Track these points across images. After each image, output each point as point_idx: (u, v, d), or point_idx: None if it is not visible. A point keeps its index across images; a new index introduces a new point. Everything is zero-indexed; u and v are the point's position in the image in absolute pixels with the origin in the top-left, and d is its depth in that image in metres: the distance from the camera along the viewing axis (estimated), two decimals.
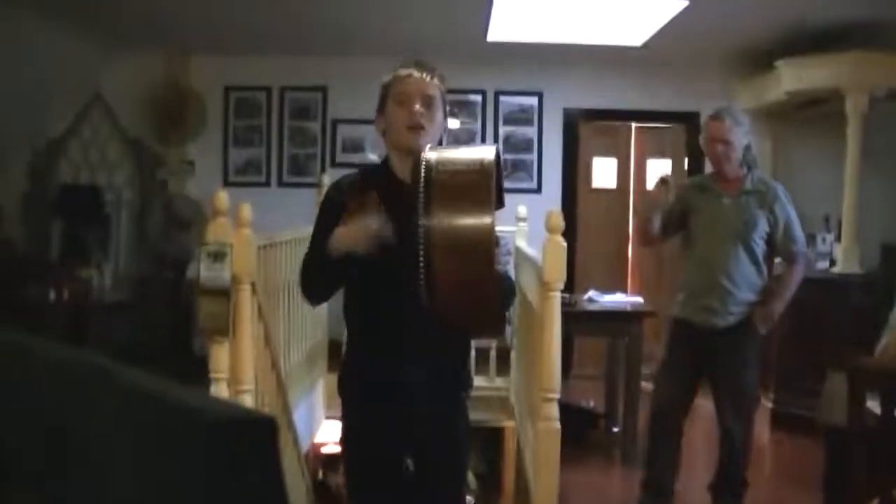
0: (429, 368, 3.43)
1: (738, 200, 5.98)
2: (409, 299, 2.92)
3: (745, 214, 5.94)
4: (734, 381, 5.99)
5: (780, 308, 6.04)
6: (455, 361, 3.62)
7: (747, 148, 6.00)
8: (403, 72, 3.49)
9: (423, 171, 2.87)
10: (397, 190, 3.29)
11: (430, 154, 2.96)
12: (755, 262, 5.98)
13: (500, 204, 3.24)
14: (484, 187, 2.80)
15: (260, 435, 1.14)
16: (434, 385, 3.47)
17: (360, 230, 3.19)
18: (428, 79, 3.47)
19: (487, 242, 2.77)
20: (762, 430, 8.53)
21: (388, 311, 3.35)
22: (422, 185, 2.83)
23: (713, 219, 6.01)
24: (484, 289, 2.82)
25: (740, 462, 6.07)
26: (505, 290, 3.28)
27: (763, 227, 5.94)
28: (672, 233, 6.28)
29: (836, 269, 8.40)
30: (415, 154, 3.18)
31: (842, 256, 8.34)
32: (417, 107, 3.39)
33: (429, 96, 3.44)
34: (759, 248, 5.97)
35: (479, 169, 2.83)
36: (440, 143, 3.48)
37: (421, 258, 2.79)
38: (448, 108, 3.57)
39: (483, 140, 10.91)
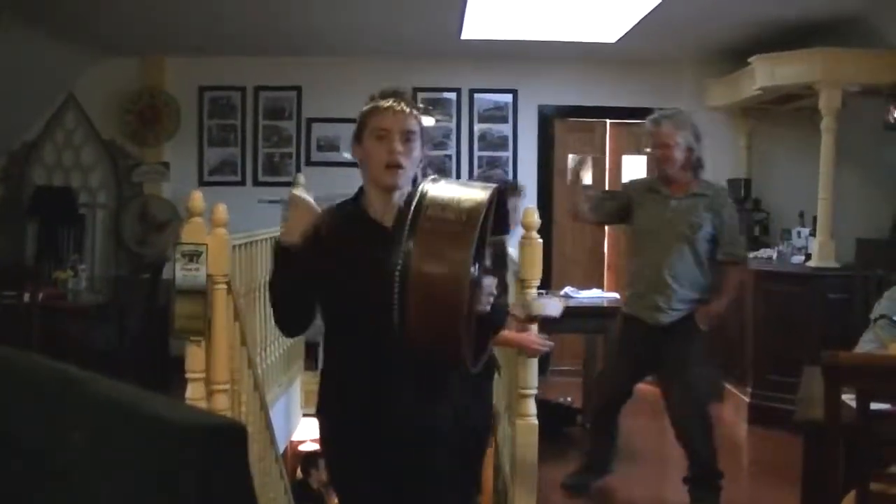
0: (413, 397, 3.40)
1: (685, 202, 6.15)
2: (387, 333, 2.90)
3: (691, 216, 6.10)
4: (679, 377, 6.17)
5: (722, 308, 6.29)
6: (441, 389, 3.55)
7: (691, 150, 6.19)
8: (383, 104, 3.39)
9: (412, 208, 2.86)
10: (371, 227, 3.29)
11: (427, 189, 2.94)
12: (699, 262, 6.14)
13: (503, 231, 3.26)
14: (465, 240, 2.79)
15: (230, 442, 1.14)
16: (419, 413, 3.42)
17: (300, 209, 3.21)
18: (408, 111, 3.38)
19: (458, 293, 2.78)
20: (739, 423, 8.56)
21: (366, 344, 3.31)
22: (408, 222, 2.82)
23: (659, 219, 6.16)
24: (449, 332, 2.84)
25: (704, 457, 6.21)
26: (489, 327, 3.28)
27: (707, 229, 6.10)
28: (609, 221, 6.77)
29: (812, 264, 8.41)
30: (391, 191, 3.29)
31: (817, 251, 8.35)
32: (397, 145, 3.31)
33: (409, 131, 3.36)
34: (704, 248, 6.12)
35: (465, 220, 2.82)
36: (424, 173, 3.43)
37: (396, 292, 2.80)
38: (425, 137, 3.50)
39: (458, 138, 10.92)
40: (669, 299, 6.10)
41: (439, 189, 2.95)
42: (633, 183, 6.85)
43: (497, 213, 3.14)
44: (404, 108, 3.38)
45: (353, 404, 3.46)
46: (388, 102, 3.38)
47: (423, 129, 3.48)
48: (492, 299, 3.13)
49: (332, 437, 3.59)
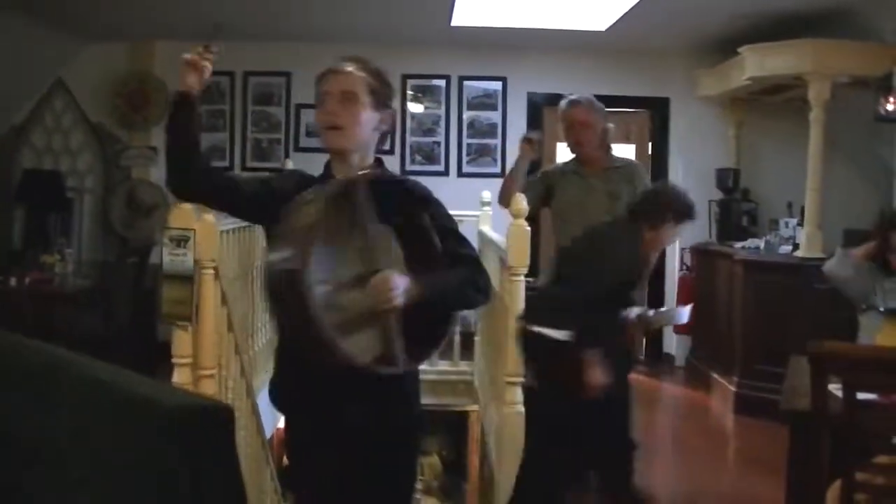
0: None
1: (602, 177, 6.16)
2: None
3: (611, 188, 6.10)
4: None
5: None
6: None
7: (605, 131, 6.25)
8: (324, 69, 3.38)
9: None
10: None
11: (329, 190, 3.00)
12: None
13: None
14: (302, 253, 2.79)
15: (217, 424, 1.14)
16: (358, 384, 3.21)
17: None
18: (349, 71, 3.34)
19: (304, 303, 2.78)
20: (726, 413, 8.58)
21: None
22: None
23: (581, 196, 6.13)
24: (317, 338, 2.82)
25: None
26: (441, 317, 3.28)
27: (625, 199, 5.97)
28: (534, 207, 6.19)
29: (799, 254, 8.42)
30: (341, 155, 3.30)
31: (805, 241, 8.37)
32: (332, 105, 3.26)
33: (347, 92, 3.29)
34: None
35: (301, 236, 2.83)
36: (389, 134, 3.44)
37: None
38: (387, 97, 3.43)
39: (447, 125, 10.91)
40: None
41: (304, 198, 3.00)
42: (550, 169, 6.82)
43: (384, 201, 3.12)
44: (345, 68, 3.35)
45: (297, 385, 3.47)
46: (328, 67, 3.37)
47: (379, 92, 3.38)
48: (399, 294, 3.01)
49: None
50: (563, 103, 6.35)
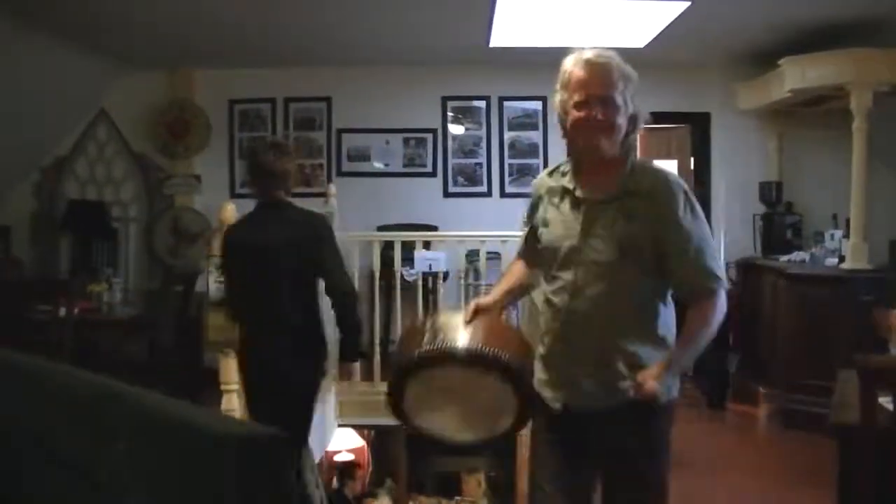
0: None
1: (612, 203, 3.62)
2: None
3: (622, 224, 3.56)
4: (631, 472, 3.60)
5: (673, 367, 3.45)
6: None
7: (635, 117, 3.84)
8: None
9: None
10: None
11: None
12: (645, 299, 3.57)
13: None
14: None
15: (274, 452, 1.15)
16: None
17: None
18: None
19: None
20: (773, 427, 8.52)
21: None
22: None
23: (572, 231, 3.68)
24: None
25: None
26: None
27: (647, 244, 3.52)
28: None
29: (845, 266, 8.38)
30: None
31: (850, 253, 8.32)
32: None
33: None
34: (650, 275, 3.55)
35: None
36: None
37: None
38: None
39: (488, 146, 10.91)
40: (606, 370, 3.50)
41: None
42: (539, 179, 4.27)
43: None
44: None
45: None
46: None
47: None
48: None
49: None
50: (578, 58, 3.91)
